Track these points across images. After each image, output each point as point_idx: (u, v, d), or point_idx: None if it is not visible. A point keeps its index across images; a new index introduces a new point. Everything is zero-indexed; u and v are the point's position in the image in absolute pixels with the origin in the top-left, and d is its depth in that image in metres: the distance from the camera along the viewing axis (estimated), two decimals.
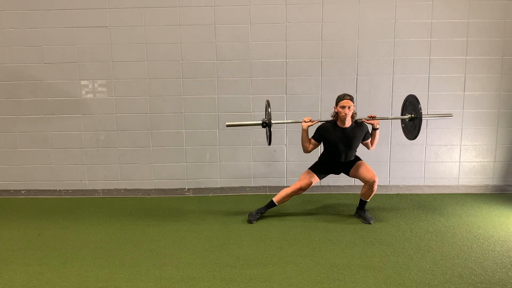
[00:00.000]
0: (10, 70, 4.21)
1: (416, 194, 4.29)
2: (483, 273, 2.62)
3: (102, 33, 4.14)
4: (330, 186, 4.35)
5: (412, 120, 3.42)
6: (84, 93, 4.24)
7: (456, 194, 4.27)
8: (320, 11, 4.09)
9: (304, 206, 3.96)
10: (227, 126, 3.46)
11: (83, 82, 4.23)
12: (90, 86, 4.23)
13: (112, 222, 3.63)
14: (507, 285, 2.47)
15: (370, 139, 3.49)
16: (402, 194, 4.29)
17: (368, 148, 3.55)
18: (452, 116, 3.58)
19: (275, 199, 3.57)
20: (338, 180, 4.32)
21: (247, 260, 2.85)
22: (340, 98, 3.32)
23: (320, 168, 3.56)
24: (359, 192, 4.32)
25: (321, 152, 3.62)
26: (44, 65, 4.20)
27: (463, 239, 3.13)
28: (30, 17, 4.12)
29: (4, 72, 4.21)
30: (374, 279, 2.56)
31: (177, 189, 4.41)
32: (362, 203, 3.57)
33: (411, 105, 3.43)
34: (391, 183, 4.35)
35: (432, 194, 4.28)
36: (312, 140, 3.48)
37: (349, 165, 3.53)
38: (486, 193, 4.29)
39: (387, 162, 4.32)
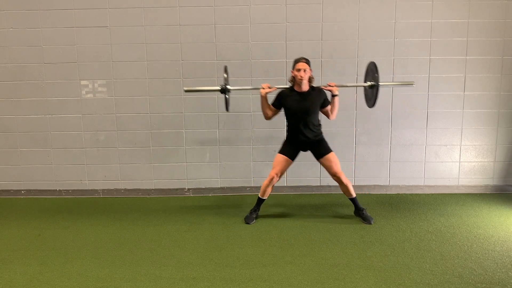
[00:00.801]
0: (10, 70, 4.21)
1: (416, 194, 4.29)
2: (483, 273, 2.62)
3: (102, 33, 4.14)
4: (330, 186, 4.35)
5: (372, 88, 3.42)
6: (84, 93, 4.24)
7: (456, 194, 4.27)
8: (320, 11, 4.09)
9: (304, 206, 3.96)
10: (185, 91, 3.50)
11: (83, 82, 4.23)
12: (90, 86, 4.23)
13: (112, 222, 3.63)
14: (507, 285, 2.47)
15: (329, 106, 3.45)
16: (402, 194, 4.29)
17: (328, 117, 3.49)
18: (414, 84, 3.55)
19: (260, 195, 3.59)
20: None
21: (247, 260, 2.85)
22: (296, 61, 3.33)
23: (287, 147, 3.52)
24: (359, 192, 4.33)
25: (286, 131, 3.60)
26: (44, 65, 4.20)
27: (463, 239, 3.14)
28: (30, 17, 4.12)
29: (4, 72, 4.21)
30: (374, 279, 2.56)
31: (177, 189, 4.41)
32: (352, 201, 3.57)
33: (371, 73, 3.42)
34: (391, 183, 4.35)
35: (432, 194, 4.28)
36: (271, 107, 3.47)
37: (316, 146, 3.46)
38: (486, 193, 4.29)
39: (387, 162, 4.32)
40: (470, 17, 4.07)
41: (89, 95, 4.25)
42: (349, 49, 4.14)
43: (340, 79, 4.14)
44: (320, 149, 3.47)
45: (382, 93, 4.16)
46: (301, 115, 3.38)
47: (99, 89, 4.24)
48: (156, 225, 3.54)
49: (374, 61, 3.39)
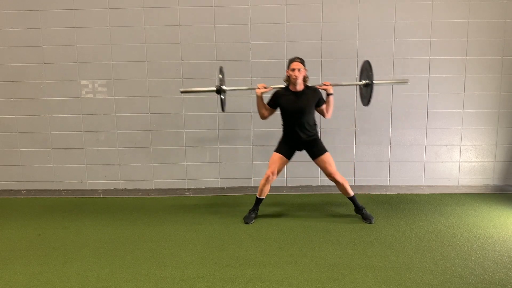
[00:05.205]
0: (10, 70, 4.21)
1: (416, 194, 4.29)
2: (483, 273, 2.62)
3: (102, 33, 4.14)
4: (330, 186, 4.34)
5: (366, 86, 3.46)
6: (84, 93, 4.24)
7: (456, 194, 4.27)
8: (320, 11, 4.09)
9: (304, 206, 3.96)
10: (181, 92, 3.58)
11: (83, 82, 4.23)
12: (90, 86, 4.23)
13: (112, 222, 3.63)
14: (507, 285, 2.47)
15: (325, 105, 3.46)
16: (402, 194, 4.29)
17: (323, 115, 3.50)
18: (408, 81, 3.60)
19: (257, 195, 3.60)
20: None
21: (247, 260, 2.85)
22: (290, 61, 3.34)
23: (282, 146, 3.53)
24: (359, 192, 4.33)
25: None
26: (44, 65, 4.20)
27: (463, 239, 3.14)
28: (30, 17, 4.12)
29: (4, 72, 4.22)
30: (374, 279, 2.56)
31: (177, 189, 4.41)
32: (351, 200, 3.57)
33: (366, 71, 3.45)
34: (391, 183, 4.35)
35: (432, 194, 4.28)
36: (267, 107, 3.49)
37: (311, 146, 3.46)
38: (486, 193, 4.29)
39: (387, 162, 4.32)
40: (470, 17, 4.07)
41: (89, 95, 4.25)
42: (349, 49, 4.14)
43: (340, 79, 4.13)
44: (315, 150, 3.47)
45: (381, 93, 4.17)
46: (296, 114, 3.39)
47: (99, 89, 4.24)
48: (156, 225, 3.54)
49: (369, 60, 3.43)
